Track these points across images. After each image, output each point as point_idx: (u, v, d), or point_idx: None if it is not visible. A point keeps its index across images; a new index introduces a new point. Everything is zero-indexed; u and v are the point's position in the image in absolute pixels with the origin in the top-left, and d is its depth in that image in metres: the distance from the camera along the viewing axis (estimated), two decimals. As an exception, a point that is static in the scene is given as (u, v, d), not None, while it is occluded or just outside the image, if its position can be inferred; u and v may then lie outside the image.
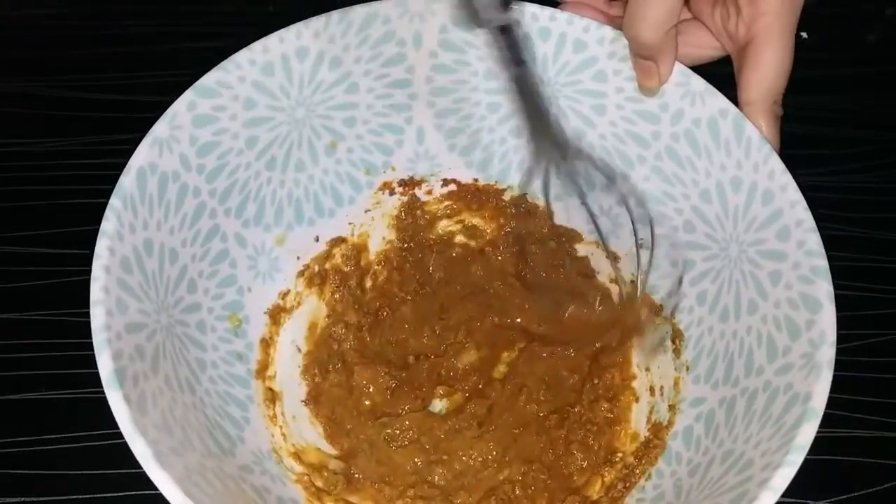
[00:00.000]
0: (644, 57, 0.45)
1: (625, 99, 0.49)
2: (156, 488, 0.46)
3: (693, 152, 0.47)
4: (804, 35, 0.65)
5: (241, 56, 0.46)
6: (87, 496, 0.48)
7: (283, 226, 0.51)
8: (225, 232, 0.48)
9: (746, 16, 0.44)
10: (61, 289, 0.54)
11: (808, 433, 0.36)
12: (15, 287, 0.54)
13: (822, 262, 0.41)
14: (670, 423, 0.46)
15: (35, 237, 0.56)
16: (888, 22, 0.69)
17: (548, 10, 0.49)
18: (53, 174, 0.59)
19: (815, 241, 0.41)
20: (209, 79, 0.45)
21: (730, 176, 0.46)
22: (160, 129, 0.43)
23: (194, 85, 0.45)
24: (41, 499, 0.47)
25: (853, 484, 0.48)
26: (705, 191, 0.47)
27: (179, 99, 0.44)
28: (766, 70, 0.43)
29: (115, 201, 0.41)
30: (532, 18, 0.49)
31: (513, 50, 0.42)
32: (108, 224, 0.40)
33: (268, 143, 0.49)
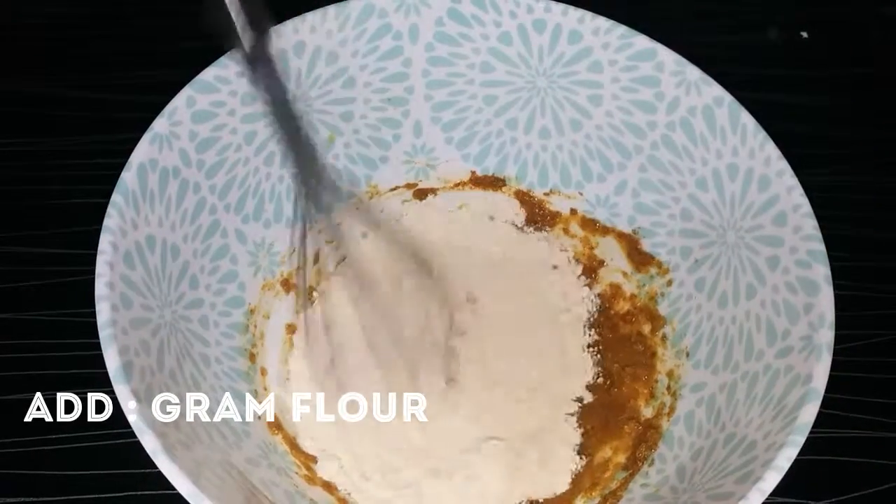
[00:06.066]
0: None
1: (620, 89, 0.50)
2: (157, 488, 0.47)
3: (689, 141, 0.48)
4: (804, 35, 0.65)
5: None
6: (88, 496, 0.47)
7: (283, 221, 0.51)
8: (225, 228, 0.48)
9: None
10: (61, 289, 0.54)
11: (810, 413, 0.36)
12: (15, 287, 0.54)
13: (819, 246, 0.41)
14: (671, 408, 0.46)
15: (35, 237, 0.56)
16: (888, 22, 0.69)
17: (542, 2, 0.49)
18: (53, 174, 0.58)
19: (811, 225, 0.42)
20: (207, 74, 0.45)
21: (726, 163, 0.46)
22: (160, 125, 0.43)
23: (193, 80, 0.45)
24: (41, 499, 0.47)
25: (853, 484, 0.48)
26: (701, 178, 0.48)
27: (178, 95, 0.44)
28: None
29: (116, 197, 0.41)
30: (527, 10, 0.50)
31: (267, 82, 0.41)
32: (110, 220, 0.40)
33: (266, 139, 0.49)
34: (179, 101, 0.44)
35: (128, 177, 0.41)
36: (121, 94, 0.63)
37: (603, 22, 0.49)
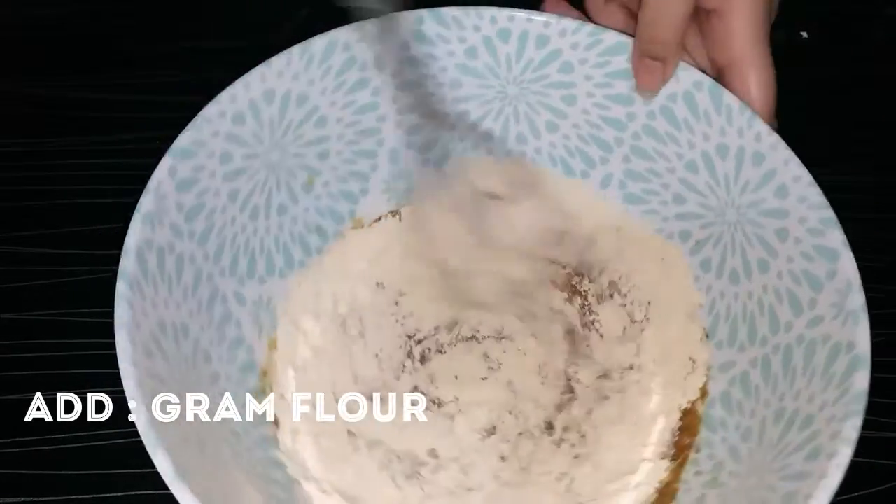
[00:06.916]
0: (654, 57, 0.46)
1: (594, 86, 0.50)
2: (157, 488, 0.44)
3: (672, 127, 0.48)
4: (804, 35, 0.66)
5: (210, 110, 0.44)
6: (88, 496, 0.47)
7: (276, 274, 0.50)
8: (224, 293, 0.46)
9: None
10: (61, 289, 0.53)
11: (862, 380, 0.37)
12: (15, 287, 0.54)
13: (830, 213, 0.42)
14: (704, 391, 0.47)
15: (35, 237, 0.55)
16: (888, 21, 0.70)
17: (506, 12, 0.49)
18: (53, 174, 0.58)
19: (816, 193, 0.43)
20: (184, 140, 0.43)
21: (714, 144, 0.47)
22: (147, 203, 0.41)
23: (171, 149, 0.43)
24: (41, 499, 0.47)
25: (853, 484, 0.49)
26: (691, 162, 0.48)
27: (159, 167, 0.42)
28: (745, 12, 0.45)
29: (121, 287, 0.38)
30: (491, 21, 0.49)
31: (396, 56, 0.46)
32: (121, 312, 0.37)
33: (248, 193, 0.47)
34: (161, 172, 0.42)
35: (128, 264, 0.39)
36: (121, 94, 0.62)
37: (569, 23, 0.48)
